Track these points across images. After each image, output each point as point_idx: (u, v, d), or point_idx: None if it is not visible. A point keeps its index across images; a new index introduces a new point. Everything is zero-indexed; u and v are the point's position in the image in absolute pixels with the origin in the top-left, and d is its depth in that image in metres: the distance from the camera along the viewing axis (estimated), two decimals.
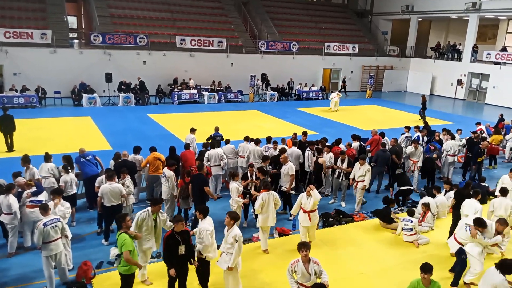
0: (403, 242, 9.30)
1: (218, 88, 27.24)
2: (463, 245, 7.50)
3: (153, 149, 10.76)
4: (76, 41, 31.41)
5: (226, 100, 26.72)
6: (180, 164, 11.06)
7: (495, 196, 9.50)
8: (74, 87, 23.65)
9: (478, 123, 16.61)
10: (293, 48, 31.29)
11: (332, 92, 27.53)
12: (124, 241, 6.27)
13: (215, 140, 12.53)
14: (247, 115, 23.15)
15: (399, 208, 11.19)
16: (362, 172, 10.75)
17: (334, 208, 10.85)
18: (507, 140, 16.59)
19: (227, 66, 29.16)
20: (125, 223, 6.46)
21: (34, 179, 9.03)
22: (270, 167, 10.83)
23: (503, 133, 16.70)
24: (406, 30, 37.43)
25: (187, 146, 11.59)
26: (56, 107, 22.94)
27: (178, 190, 9.44)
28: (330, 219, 10.16)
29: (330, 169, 11.55)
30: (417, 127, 14.65)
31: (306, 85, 30.07)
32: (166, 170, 9.71)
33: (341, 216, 10.37)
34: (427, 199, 10.27)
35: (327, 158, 11.50)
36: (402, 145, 13.79)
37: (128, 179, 9.11)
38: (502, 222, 7.44)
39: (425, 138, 14.16)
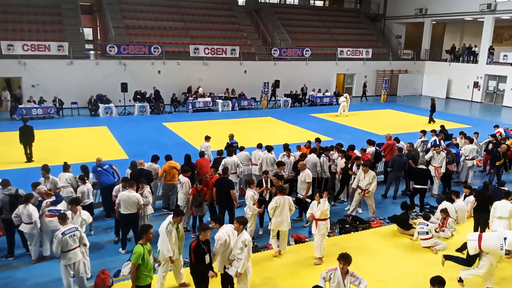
0: (421, 248, 9.17)
1: (231, 96, 27.37)
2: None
3: (168, 158, 10.85)
4: (92, 52, 31.97)
5: (240, 107, 26.81)
6: (196, 171, 11.13)
7: None
8: (91, 97, 24.03)
9: (496, 126, 16.32)
10: (306, 54, 31.30)
11: (340, 96, 27.38)
12: (135, 252, 6.21)
13: (232, 148, 12.57)
14: (261, 122, 23.18)
15: (418, 214, 11.02)
16: (368, 180, 10.52)
17: (351, 214, 10.76)
18: None
19: (241, 73, 29.30)
20: (146, 235, 6.40)
21: (54, 189, 9.18)
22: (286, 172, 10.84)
23: None
24: (420, 33, 37.11)
25: (202, 154, 11.66)
26: (73, 117, 23.32)
27: (191, 198, 9.48)
28: (347, 225, 10.07)
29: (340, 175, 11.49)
30: (433, 131, 14.45)
31: (319, 91, 30.00)
32: (181, 176, 9.84)
33: (358, 222, 10.28)
34: (445, 204, 10.11)
35: (340, 163, 11.44)
36: (419, 150, 13.63)
37: (146, 190, 9.16)
38: None
39: (442, 142, 13.95)
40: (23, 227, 8.20)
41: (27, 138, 14.78)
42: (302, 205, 10.34)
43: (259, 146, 12.11)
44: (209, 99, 26.39)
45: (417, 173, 11.22)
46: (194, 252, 6.47)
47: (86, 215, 7.99)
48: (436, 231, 9.49)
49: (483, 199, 9.45)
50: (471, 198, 10.79)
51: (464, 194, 11.01)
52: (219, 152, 11.95)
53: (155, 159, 11.09)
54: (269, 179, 9.83)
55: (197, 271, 6.61)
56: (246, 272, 6.77)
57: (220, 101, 26.40)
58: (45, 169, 9.74)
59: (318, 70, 31.87)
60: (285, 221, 8.50)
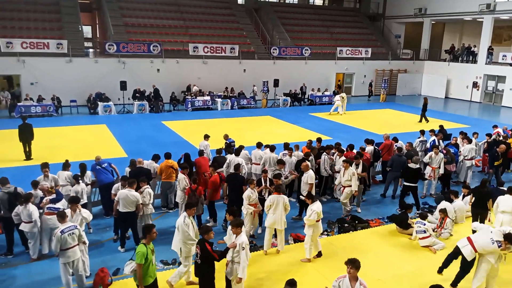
0: (420, 247, 9.19)
1: (231, 95, 27.36)
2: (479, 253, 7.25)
3: (167, 156, 10.85)
4: (91, 50, 31.89)
5: (239, 106, 26.80)
6: (194, 170, 11.14)
7: None
8: (90, 95, 24.00)
9: (495, 126, 16.35)
10: (305, 53, 31.30)
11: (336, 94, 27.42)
12: (138, 252, 6.20)
13: (231, 147, 12.59)
14: (260, 121, 23.18)
15: (417, 213, 11.03)
16: (347, 176, 10.51)
17: (350, 214, 10.77)
18: None
19: (240, 72, 29.29)
20: (149, 235, 6.39)
21: (55, 187, 9.17)
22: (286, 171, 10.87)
23: None
24: (419, 33, 37.14)
25: (201, 153, 11.66)
26: (72, 115, 23.29)
27: (186, 198, 9.47)
28: (346, 225, 10.08)
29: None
30: (432, 130, 14.48)
31: (319, 90, 30.01)
32: (179, 174, 9.87)
33: (356, 221, 10.28)
34: (444, 204, 10.12)
35: (339, 162, 11.45)
36: (417, 149, 13.65)
37: (147, 190, 9.11)
38: None
39: (441, 142, 13.97)
40: (23, 226, 8.19)
41: (26, 136, 14.76)
42: (304, 205, 10.34)
43: (259, 145, 12.11)
44: (208, 97, 26.37)
45: (408, 171, 11.22)
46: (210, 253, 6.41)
47: (86, 213, 8.00)
48: (434, 231, 9.52)
49: (480, 195, 9.66)
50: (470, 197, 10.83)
51: (462, 194, 11.02)
52: (218, 151, 11.96)
53: (155, 158, 11.10)
54: (268, 178, 9.84)
55: (204, 272, 6.55)
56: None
57: (219, 100, 26.39)
58: (45, 166, 9.72)
59: (317, 70, 31.89)
60: (279, 220, 8.50)
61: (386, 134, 13.58)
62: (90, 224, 9.51)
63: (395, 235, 9.81)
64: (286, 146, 12.03)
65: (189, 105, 25.45)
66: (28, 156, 14.87)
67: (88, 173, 10.31)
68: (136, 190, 8.85)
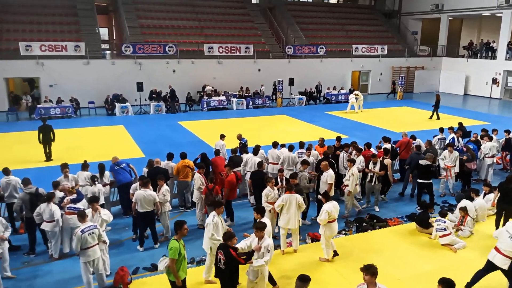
0: (440, 246, 9.05)
1: (246, 94, 27.39)
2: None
3: (183, 156, 10.92)
4: (108, 52, 32.31)
5: (254, 105, 26.81)
6: (210, 170, 11.19)
7: None
8: (107, 97, 24.32)
9: None
10: (320, 51, 31.12)
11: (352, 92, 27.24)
12: (171, 248, 6.28)
13: (246, 147, 12.63)
14: (275, 120, 23.14)
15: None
16: (348, 176, 10.42)
17: (368, 213, 10.68)
18: None
19: (255, 71, 29.30)
20: (180, 231, 6.46)
21: (75, 187, 9.31)
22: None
23: None
24: (436, 29, 36.58)
25: (217, 152, 11.70)
26: (90, 117, 23.63)
27: (203, 197, 9.52)
28: (364, 224, 9.99)
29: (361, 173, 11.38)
30: (451, 128, 14.23)
31: (334, 88, 29.82)
32: (196, 174, 9.95)
33: (375, 220, 10.18)
34: (464, 202, 9.95)
35: (358, 161, 11.36)
36: (436, 147, 13.45)
37: (165, 188, 9.26)
38: None
39: (460, 139, 13.74)
40: (45, 226, 8.32)
41: (46, 138, 15.02)
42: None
43: (275, 144, 12.08)
44: (223, 97, 26.45)
45: (420, 168, 11.05)
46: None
47: (106, 215, 8.03)
48: (453, 229, 9.37)
49: (505, 191, 9.53)
50: (491, 196, 10.64)
51: (483, 192, 10.84)
52: (233, 151, 11.98)
53: (170, 157, 11.18)
54: (284, 177, 9.81)
55: (228, 277, 6.47)
56: (264, 277, 6.76)
57: (234, 100, 26.44)
58: (66, 167, 9.88)
59: (333, 68, 31.69)
60: (292, 219, 8.44)
61: (404, 132, 13.43)
62: (110, 223, 9.62)
63: (414, 234, 9.68)
64: (302, 145, 12.00)
65: (205, 105, 25.56)
66: (49, 157, 15.14)
67: (107, 173, 10.45)
68: (154, 189, 8.94)
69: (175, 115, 24.13)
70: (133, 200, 8.80)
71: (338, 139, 12.65)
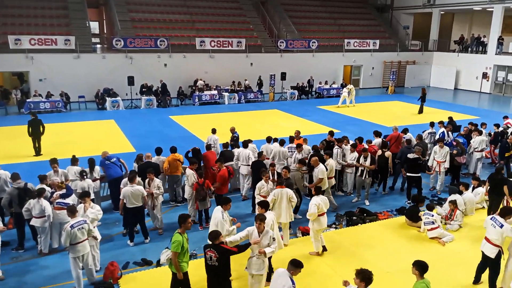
0: (429, 240, 9.14)
1: (238, 89, 27.32)
2: (500, 246, 7.11)
3: (173, 150, 10.89)
4: (98, 46, 32.03)
5: (246, 100, 26.77)
6: (202, 164, 11.17)
7: None
8: (98, 91, 24.12)
9: (506, 117, 16.15)
10: (312, 45, 31.10)
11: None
12: (174, 242, 6.31)
13: (236, 141, 12.64)
14: (267, 114, 23.14)
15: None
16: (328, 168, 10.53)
17: (358, 207, 10.74)
18: None
19: (247, 66, 29.21)
20: (184, 225, 6.47)
21: (65, 182, 9.24)
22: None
23: None
24: (428, 23, 36.70)
25: (208, 147, 11.68)
26: (80, 111, 23.44)
27: (194, 193, 9.51)
28: (354, 217, 10.05)
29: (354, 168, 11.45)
30: (441, 122, 14.32)
31: (326, 83, 29.85)
32: (187, 169, 9.90)
33: (365, 214, 10.25)
34: (455, 196, 10.04)
35: (351, 157, 11.43)
36: (426, 141, 13.54)
37: (157, 181, 9.29)
38: None
39: (450, 134, 13.84)
40: (35, 221, 8.24)
41: (36, 132, 14.88)
42: None
43: (269, 139, 12.08)
44: (215, 92, 26.36)
45: (409, 161, 11.13)
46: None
47: (93, 214, 7.82)
48: (442, 222, 9.47)
49: (494, 182, 9.86)
50: (480, 189, 10.76)
51: (472, 186, 10.95)
52: (225, 145, 11.97)
53: (159, 152, 11.14)
54: (276, 172, 9.83)
55: (220, 273, 6.40)
56: (266, 268, 6.79)
57: (226, 94, 26.38)
58: (55, 162, 9.80)
59: (325, 62, 31.69)
60: (283, 213, 8.48)
61: (394, 126, 13.49)
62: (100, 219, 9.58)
63: (404, 228, 9.76)
64: (292, 139, 12.01)
65: (196, 100, 25.47)
66: (38, 152, 15.01)
67: (97, 168, 10.39)
68: (144, 183, 8.92)
69: (167, 110, 24.02)
70: (121, 197, 8.74)
71: (331, 133, 12.68)
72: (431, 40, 36.52)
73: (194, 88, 26.71)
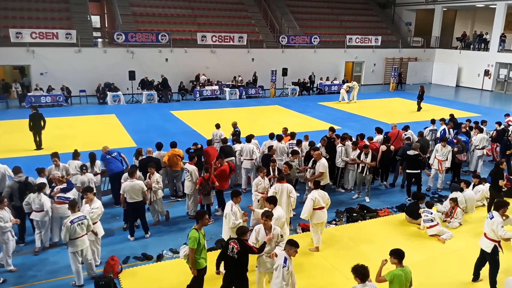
0: (428, 237, 9.15)
1: (239, 84, 27.27)
2: (498, 241, 7.10)
3: (173, 145, 10.89)
4: (99, 40, 31.94)
5: (247, 95, 26.73)
6: (203, 160, 11.17)
7: None
8: (99, 85, 24.09)
9: (507, 115, 16.11)
10: (314, 41, 31.00)
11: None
12: (191, 237, 6.32)
13: (238, 137, 12.64)
14: (268, 110, 23.11)
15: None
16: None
17: (358, 203, 10.75)
18: None
19: (248, 61, 29.15)
20: (201, 221, 6.46)
21: (66, 176, 9.24)
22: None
23: None
24: (430, 20, 36.56)
25: (209, 142, 11.68)
26: (81, 105, 23.43)
27: (198, 187, 9.52)
28: (354, 214, 10.06)
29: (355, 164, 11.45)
30: (442, 119, 14.30)
31: (328, 79, 29.78)
32: (188, 165, 9.86)
33: (365, 211, 10.26)
34: (456, 194, 10.04)
35: (353, 154, 11.46)
36: (427, 139, 13.52)
37: (157, 175, 9.31)
38: None
39: (451, 131, 13.83)
40: (34, 215, 8.24)
41: (36, 126, 14.87)
42: None
43: (271, 136, 12.02)
44: (216, 87, 26.33)
45: (409, 158, 11.12)
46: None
47: (95, 205, 7.78)
48: (443, 220, 9.47)
49: (493, 177, 10.00)
50: (480, 187, 10.76)
51: (473, 183, 10.95)
52: (224, 141, 11.97)
53: (159, 147, 11.15)
54: (276, 168, 9.83)
55: (239, 266, 6.38)
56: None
57: (227, 89, 26.33)
58: (56, 156, 9.80)
59: (327, 58, 31.62)
60: (283, 209, 8.47)
61: (393, 123, 13.47)
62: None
63: (404, 225, 9.77)
64: (293, 135, 12.00)
65: (198, 95, 25.44)
66: (39, 146, 15.02)
67: (98, 162, 10.40)
68: (145, 177, 8.93)
69: (168, 105, 24.00)
70: (121, 192, 8.75)
71: (332, 129, 12.66)
72: (433, 37, 36.40)
73: (195, 83, 26.66)
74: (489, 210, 9.68)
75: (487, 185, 10.88)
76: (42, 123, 14.94)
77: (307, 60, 30.72)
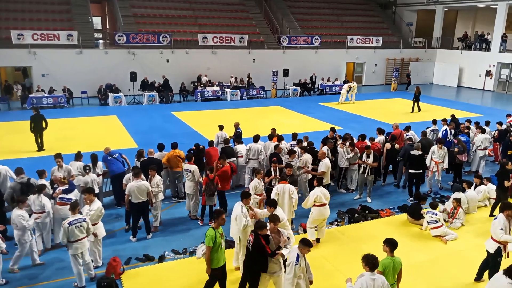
0: (431, 237, 9.13)
1: (240, 85, 27.29)
2: (504, 244, 7.10)
3: (173, 146, 10.89)
4: (101, 41, 32.01)
5: (248, 96, 26.73)
6: (205, 161, 11.17)
7: None
8: (100, 86, 24.13)
9: (509, 115, 16.08)
10: (315, 42, 31.00)
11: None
12: (207, 236, 6.34)
13: (239, 137, 12.64)
14: (269, 111, 23.10)
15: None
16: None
17: (360, 204, 10.73)
18: None
19: (249, 62, 29.16)
20: (218, 220, 6.47)
21: (68, 177, 9.25)
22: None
23: None
24: (431, 20, 36.53)
25: (211, 143, 11.68)
26: (83, 106, 23.46)
27: (204, 187, 9.51)
28: (356, 215, 10.05)
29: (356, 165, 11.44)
30: (444, 120, 14.28)
31: (329, 80, 29.78)
32: (188, 165, 9.86)
33: (367, 212, 10.24)
34: (459, 194, 10.02)
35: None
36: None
37: (157, 178, 9.28)
38: None
39: (453, 131, 13.80)
40: (35, 217, 8.22)
41: (38, 127, 14.89)
42: None
43: (270, 137, 12.03)
44: (217, 88, 26.34)
45: (412, 158, 11.11)
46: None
47: (94, 206, 7.74)
48: (445, 220, 9.45)
49: (499, 178, 10.14)
50: (482, 187, 10.74)
51: (474, 184, 10.92)
52: (225, 141, 11.97)
53: (161, 148, 11.16)
54: (277, 168, 9.82)
55: (252, 257, 6.45)
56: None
57: (228, 90, 26.34)
58: (59, 157, 9.80)
59: (328, 59, 31.62)
60: (285, 209, 8.46)
61: (395, 123, 13.46)
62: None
63: (406, 225, 9.76)
64: (295, 136, 11.99)
65: (199, 96, 25.45)
66: (40, 147, 15.04)
67: (100, 163, 10.40)
68: (147, 179, 8.95)
69: (169, 106, 24.02)
70: (126, 192, 8.74)
71: (332, 129, 12.66)
72: (434, 37, 36.37)
73: (197, 84, 26.68)
74: (494, 211, 9.70)
75: (489, 185, 10.87)
76: (44, 124, 14.96)
77: (308, 61, 30.72)
